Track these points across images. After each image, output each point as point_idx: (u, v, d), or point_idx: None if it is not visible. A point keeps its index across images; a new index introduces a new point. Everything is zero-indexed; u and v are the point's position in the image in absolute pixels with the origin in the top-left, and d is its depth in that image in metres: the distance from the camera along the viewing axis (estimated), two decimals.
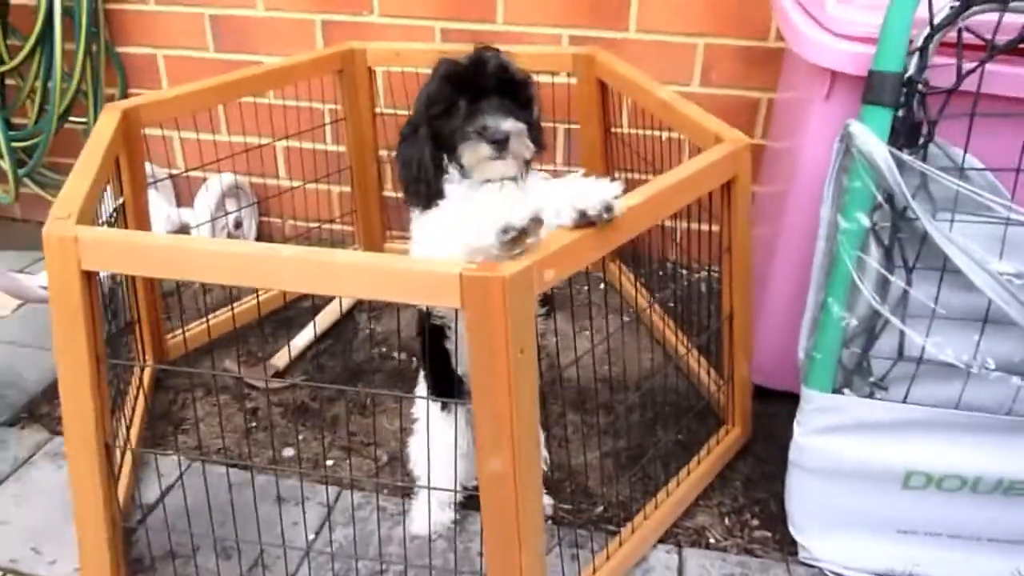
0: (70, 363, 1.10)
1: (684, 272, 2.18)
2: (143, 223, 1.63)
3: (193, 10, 2.18)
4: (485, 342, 0.97)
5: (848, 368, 1.32)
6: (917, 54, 1.17)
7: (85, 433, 1.14)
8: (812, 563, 1.39)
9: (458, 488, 1.29)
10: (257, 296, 1.97)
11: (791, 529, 1.41)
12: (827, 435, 1.33)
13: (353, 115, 1.98)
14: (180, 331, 1.87)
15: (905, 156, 1.18)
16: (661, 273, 2.17)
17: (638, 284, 2.05)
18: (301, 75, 1.85)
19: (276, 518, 1.42)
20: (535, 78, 1.24)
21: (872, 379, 1.31)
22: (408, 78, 1.90)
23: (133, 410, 1.63)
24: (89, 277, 1.07)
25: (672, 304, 2.04)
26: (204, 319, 1.87)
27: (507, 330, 0.96)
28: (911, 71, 1.17)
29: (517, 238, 0.94)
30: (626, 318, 2.03)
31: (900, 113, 1.19)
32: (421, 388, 1.38)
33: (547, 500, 1.46)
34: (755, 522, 1.49)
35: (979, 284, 1.16)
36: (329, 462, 1.62)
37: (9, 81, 2.21)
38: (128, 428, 1.58)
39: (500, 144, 1.10)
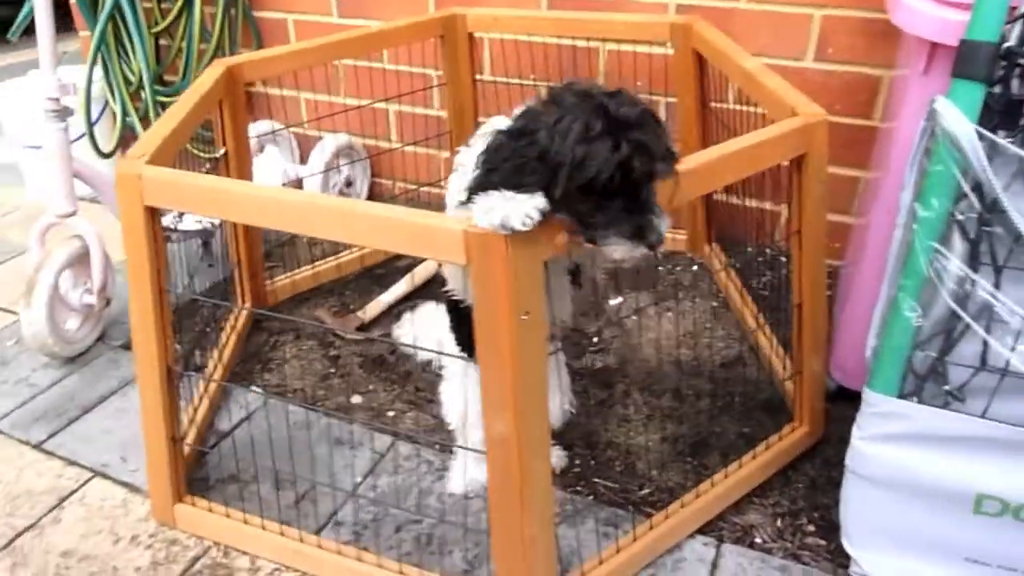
0: (136, 291, 1.21)
1: (785, 260, 2.05)
2: (244, 172, 1.76)
3: None
4: (488, 301, 0.97)
5: (920, 373, 1.19)
6: (1021, 22, 1.02)
7: (150, 355, 1.25)
8: None
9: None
10: (360, 252, 2.09)
11: (843, 540, 1.30)
12: (888, 443, 1.21)
13: (453, 80, 2.01)
14: (284, 277, 2.01)
15: (999, 139, 1.04)
16: (760, 259, 2.06)
17: (728, 268, 1.95)
18: (401, 40, 1.89)
19: (331, 458, 1.51)
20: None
21: (947, 388, 1.18)
22: (507, 45, 1.90)
23: (224, 346, 1.78)
24: (152, 213, 1.17)
25: (764, 292, 1.93)
26: (294, 271, 2.00)
27: (509, 290, 0.95)
28: (1012, 41, 1.02)
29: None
30: (714, 303, 1.94)
31: (996, 90, 1.05)
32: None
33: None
34: (810, 528, 1.39)
35: None
36: (391, 413, 1.68)
37: (163, 41, 2.44)
38: (217, 362, 1.72)
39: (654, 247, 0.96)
